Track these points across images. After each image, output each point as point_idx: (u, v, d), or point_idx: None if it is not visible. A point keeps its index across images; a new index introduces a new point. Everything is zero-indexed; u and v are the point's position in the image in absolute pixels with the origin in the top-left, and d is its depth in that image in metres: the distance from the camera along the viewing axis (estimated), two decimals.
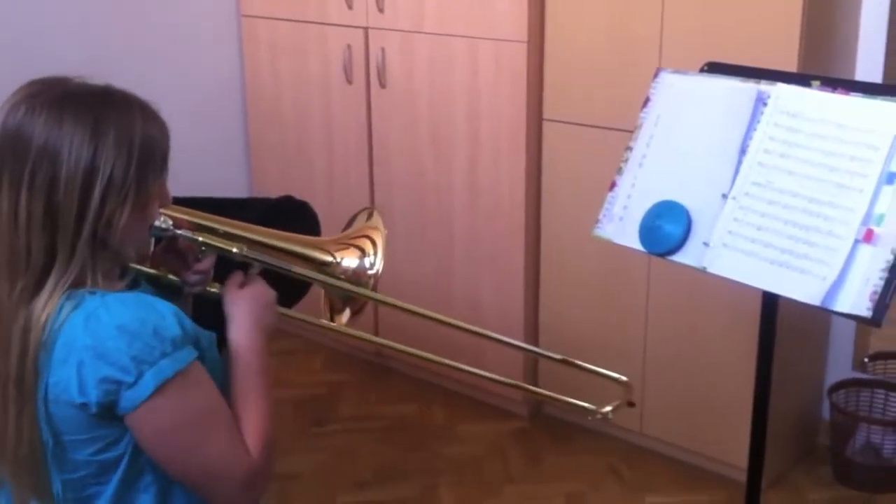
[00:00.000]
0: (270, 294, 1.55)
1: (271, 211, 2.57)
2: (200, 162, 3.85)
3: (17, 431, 1.34)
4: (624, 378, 2.02)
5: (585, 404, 2.06)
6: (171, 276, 1.55)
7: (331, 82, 3.63)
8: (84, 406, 1.30)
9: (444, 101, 3.35)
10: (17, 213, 1.30)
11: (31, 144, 1.30)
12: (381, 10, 3.40)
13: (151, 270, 1.52)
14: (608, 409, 2.04)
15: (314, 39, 3.64)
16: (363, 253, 1.75)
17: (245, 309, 1.50)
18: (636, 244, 1.93)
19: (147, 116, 1.39)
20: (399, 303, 1.82)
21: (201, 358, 1.39)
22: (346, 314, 1.78)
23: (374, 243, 1.77)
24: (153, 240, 1.52)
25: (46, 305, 1.30)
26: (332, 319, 1.78)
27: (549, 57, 3.14)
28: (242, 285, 1.54)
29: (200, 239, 1.55)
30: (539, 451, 3.31)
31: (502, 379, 2.11)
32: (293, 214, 2.56)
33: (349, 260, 1.74)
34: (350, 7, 3.48)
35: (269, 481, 1.43)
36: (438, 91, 3.35)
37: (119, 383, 1.28)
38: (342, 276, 1.73)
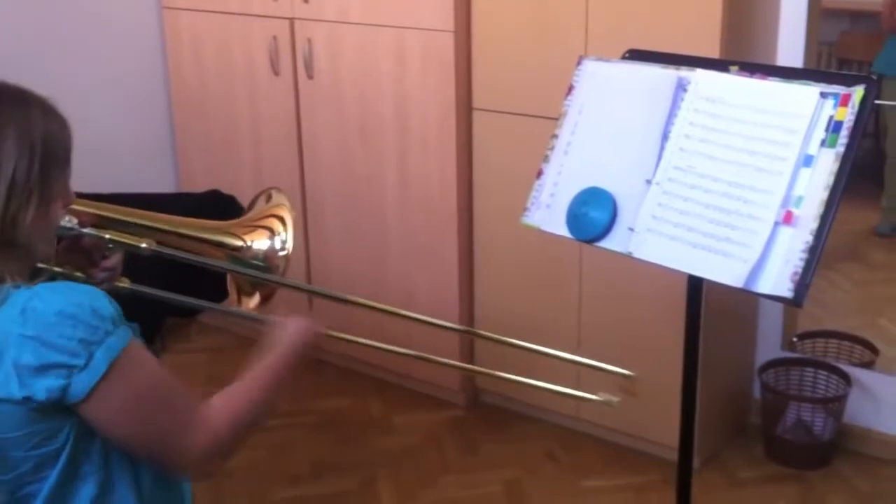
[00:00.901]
0: (319, 332, 1.62)
1: (198, 206, 2.53)
2: (126, 158, 3.80)
3: None
4: (629, 372, 2.06)
5: (585, 394, 2.06)
6: (77, 274, 1.52)
7: (257, 74, 3.58)
8: (26, 400, 1.26)
9: (372, 92, 3.33)
10: None
11: None
12: (306, 0, 3.36)
13: (58, 269, 1.48)
14: (614, 398, 2.01)
15: (238, 31, 3.59)
16: (272, 233, 1.73)
17: (296, 335, 1.57)
18: (564, 231, 1.93)
19: (46, 113, 1.35)
20: (309, 286, 1.80)
21: None
22: (256, 298, 1.76)
23: (283, 222, 1.75)
24: (55, 238, 1.48)
25: None
26: (240, 304, 1.75)
27: (476, 46, 3.13)
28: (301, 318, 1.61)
29: (107, 236, 1.51)
30: (476, 439, 3.33)
31: (495, 373, 2.09)
32: (220, 208, 2.53)
33: (260, 242, 1.72)
34: None
35: (229, 455, 1.43)
36: (366, 82, 3.33)
37: (70, 367, 1.25)
38: (254, 261, 1.70)
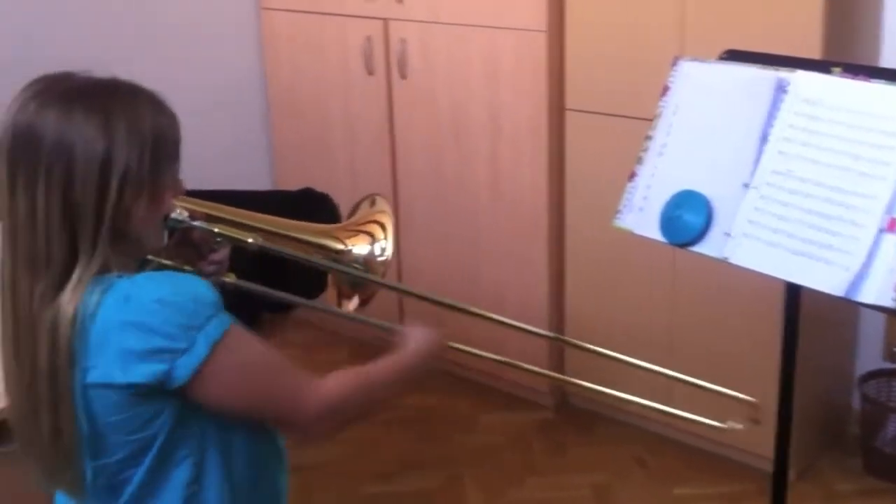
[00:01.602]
0: (444, 344, 1.73)
1: (290, 203, 2.57)
2: (223, 157, 3.86)
3: (52, 426, 1.34)
4: (751, 399, 2.04)
5: (710, 421, 2.08)
6: (186, 267, 1.55)
7: (351, 74, 3.62)
8: (127, 386, 1.30)
9: (464, 93, 3.33)
10: (34, 213, 1.30)
11: (43, 142, 1.29)
12: (399, 0, 3.39)
13: (167, 261, 1.51)
14: (739, 425, 2.04)
15: (333, 31, 3.63)
16: (373, 238, 1.75)
17: (424, 343, 1.65)
18: (657, 235, 1.90)
19: (156, 106, 1.39)
20: (409, 288, 1.81)
21: None
22: (355, 301, 1.77)
23: (383, 228, 1.77)
24: (166, 231, 1.52)
25: (72, 297, 1.30)
26: (339, 305, 1.77)
27: (569, 46, 3.11)
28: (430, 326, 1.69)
29: (216, 230, 1.54)
30: (563, 441, 3.30)
31: (593, 386, 2.10)
32: (313, 206, 2.56)
33: (360, 247, 1.73)
34: None
35: (338, 426, 1.49)
36: (458, 82, 3.33)
37: (173, 352, 1.29)
38: (355, 265, 1.72)
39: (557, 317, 3.38)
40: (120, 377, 1.29)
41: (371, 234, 1.75)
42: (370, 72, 3.55)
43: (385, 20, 3.46)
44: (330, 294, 1.79)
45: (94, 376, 1.31)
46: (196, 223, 1.51)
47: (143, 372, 1.29)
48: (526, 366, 2.07)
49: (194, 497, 1.41)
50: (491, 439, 3.33)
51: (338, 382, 1.47)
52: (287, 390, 1.41)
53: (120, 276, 1.33)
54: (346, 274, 1.72)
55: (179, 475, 1.39)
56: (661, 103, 1.98)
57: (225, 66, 3.85)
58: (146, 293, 1.30)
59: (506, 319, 2.00)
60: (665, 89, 1.99)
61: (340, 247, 1.72)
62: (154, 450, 1.36)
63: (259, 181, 4.01)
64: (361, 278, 1.72)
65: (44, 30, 3.27)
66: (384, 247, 1.75)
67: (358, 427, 3.35)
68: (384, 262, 1.75)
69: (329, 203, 2.63)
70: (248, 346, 1.38)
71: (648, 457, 3.21)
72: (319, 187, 3.81)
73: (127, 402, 1.32)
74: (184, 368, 1.31)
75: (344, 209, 3.79)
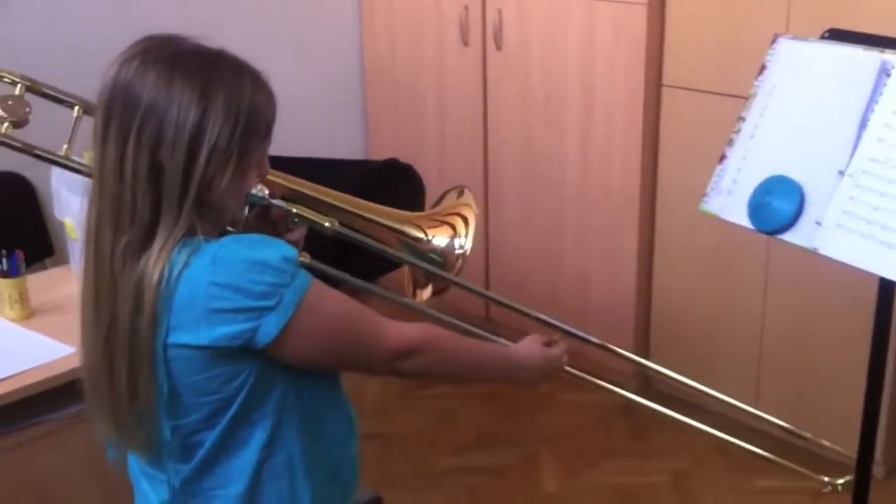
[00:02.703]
0: (558, 367, 1.74)
1: (375, 173, 2.56)
2: (318, 124, 3.88)
3: (130, 385, 1.36)
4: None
5: (808, 472, 2.17)
6: None
7: (446, 44, 3.59)
8: (212, 346, 1.32)
9: (558, 66, 3.27)
10: (122, 166, 1.31)
11: (140, 100, 1.30)
12: None
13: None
14: (841, 481, 2.11)
15: (431, 1, 3.60)
16: (454, 232, 1.72)
17: (536, 358, 1.67)
18: (744, 221, 1.83)
19: (256, 84, 1.38)
20: (481, 290, 1.80)
21: None
22: (429, 290, 1.75)
23: (466, 222, 1.74)
24: (247, 207, 1.52)
25: (158, 258, 1.31)
26: (413, 292, 1.75)
27: (670, 19, 3.02)
28: (549, 344, 1.71)
29: (294, 210, 1.54)
30: (644, 425, 3.24)
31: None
32: (397, 177, 2.54)
33: (440, 238, 1.71)
34: None
35: (419, 367, 1.48)
36: (553, 54, 3.27)
37: (261, 310, 1.31)
38: (431, 254, 1.69)
39: (644, 303, 3.31)
40: (206, 337, 1.31)
41: (453, 227, 1.73)
42: (465, 42, 3.51)
43: None
44: (406, 278, 1.77)
45: (177, 337, 1.32)
46: (275, 201, 1.51)
47: (231, 331, 1.31)
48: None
49: (266, 461, 1.42)
50: (570, 419, 3.29)
51: (422, 329, 1.49)
52: (369, 334, 1.44)
53: (207, 240, 1.34)
54: (420, 268, 1.70)
55: (255, 437, 1.40)
56: (756, 83, 1.90)
57: (323, 34, 3.86)
58: (234, 254, 1.32)
59: (588, 336, 1.96)
60: (762, 68, 1.91)
61: (420, 235, 1.70)
62: (231, 411, 1.37)
63: (352, 149, 4.03)
64: (433, 274, 1.70)
65: None
66: (463, 243, 1.73)
67: (437, 399, 3.41)
68: (462, 256, 1.72)
69: (413, 174, 2.62)
70: (330, 298, 1.41)
71: (732, 445, 3.12)
72: (410, 157, 3.80)
73: (210, 361, 1.33)
74: (272, 325, 1.32)
75: (431, 181, 3.79)
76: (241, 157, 1.35)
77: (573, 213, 3.37)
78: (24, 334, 2.18)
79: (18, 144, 1.54)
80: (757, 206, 1.81)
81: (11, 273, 2.22)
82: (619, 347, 3.29)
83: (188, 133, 1.30)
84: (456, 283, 1.73)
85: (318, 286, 1.39)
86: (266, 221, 1.56)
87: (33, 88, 1.58)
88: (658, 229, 3.22)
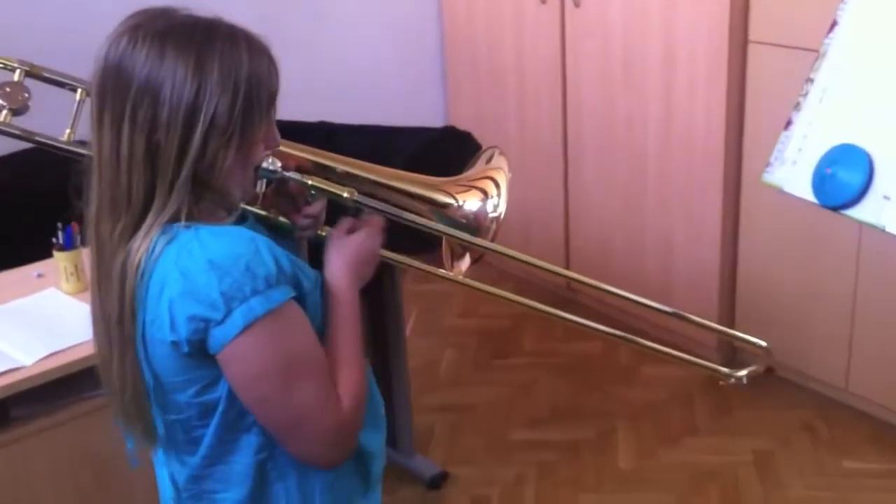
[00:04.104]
0: (374, 245, 1.45)
1: (431, 141, 2.47)
2: (398, 84, 3.83)
3: (121, 374, 1.32)
4: (763, 343, 1.82)
5: (716, 367, 1.89)
6: (280, 219, 1.48)
7: (524, 2, 3.45)
8: (176, 345, 1.25)
9: (639, 22, 3.10)
10: (118, 151, 1.25)
11: (132, 80, 1.23)
12: None
13: (261, 211, 1.45)
14: (742, 373, 1.83)
15: None
16: (485, 195, 1.61)
17: (344, 257, 1.40)
18: (808, 195, 1.68)
19: (255, 52, 1.29)
20: (518, 254, 1.65)
21: (301, 299, 1.31)
22: (466, 261, 1.65)
23: (497, 185, 1.62)
24: (262, 182, 1.45)
25: (142, 243, 1.25)
26: (451, 264, 1.65)
27: None
28: (350, 231, 1.45)
29: (310, 182, 1.45)
30: (728, 401, 3.09)
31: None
32: (455, 145, 2.44)
33: (471, 202, 1.60)
34: None
35: (355, 438, 1.35)
36: (634, 11, 3.11)
37: (207, 321, 1.22)
38: (463, 220, 1.59)
39: (729, 268, 3.14)
40: (168, 334, 1.24)
41: (483, 191, 1.61)
42: (543, 0, 3.37)
43: None
44: (444, 250, 1.67)
45: (151, 331, 1.27)
46: (289, 174, 1.41)
47: (184, 334, 1.23)
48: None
49: (266, 463, 1.35)
50: (650, 394, 3.17)
51: (350, 391, 1.31)
52: (305, 400, 1.27)
53: (188, 227, 1.26)
54: (450, 236, 1.59)
55: (248, 441, 1.33)
56: (825, 41, 1.73)
57: None
58: (200, 251, 1.23)
59: (665, 307, 1.81)
60: (832, 24, 1.73)
61: (448, 200, 1.60)
62: (217, 415, 1.31)
63: (432, 109, 3.95)
64: (468, 242, 1.59)
65: None
66: (496, 203, 1.61)
67: (514, 370, 3.33)
68: (496, 220, 1.61)
69: (472, 142, 2.51)
70: (286, 336, 1.26)
71: (820, 424, 2.96)
72: (489, 118, 3.71)
73: (182, 362, 1.27)
74: (215, 339, 1.23)
75: (511, 143, 3.69)
76: (244, 132, 1.27)
77: (655, 175, 3.22)
78: (79, 307, 2.19)
79: (18, 132, 1.50)
80: (821, 179, 1.65)
81: (66, 246, 2.23)
82: (704, 316, 3.18)
83: (183, 111, 1.23)
84: (491, 250, 1.62)
85: (288, 315, 1.25)
86: (284, 196, 1.46)
87: (33, 73, 1.53)
88: (744, 195, 3.04)
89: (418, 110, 3.86)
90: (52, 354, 1.98)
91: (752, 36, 2.88)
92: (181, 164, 1.24)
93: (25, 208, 2.56)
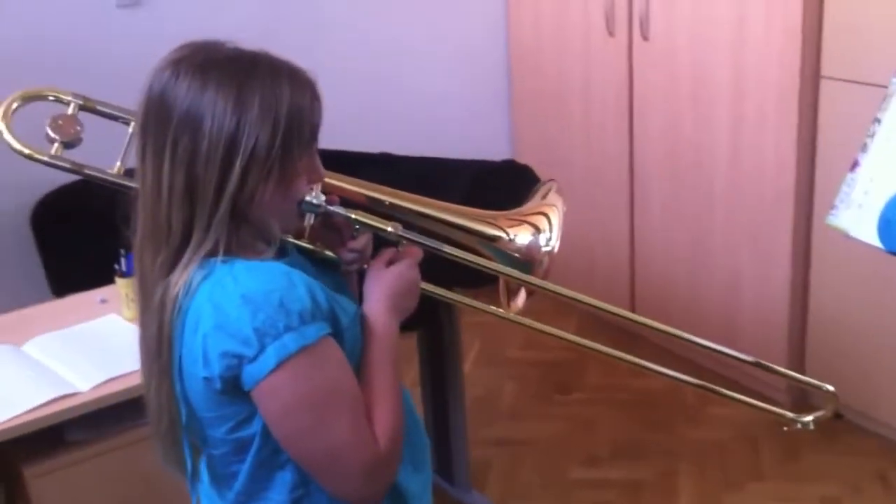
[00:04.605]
0: (414, 277, 1.43)
1: (490, 174, 2.45)
2: (463, 110, 3.82)
3: (157, 406, 1.33)
4: (830, 388, 1.77)
5: (782, 411, 1.83)
6: (327, 252, 1.47)
7: (592, 34, 3.42)
8: (209, 381, 1.24)
9: (708, 56, 3.05)
10: (160, 184, 1.25)
11: (173, 112, 1.24)
12: None
13: (307, 245, 1.45)
14: (809, 418, 1.80)
15: None
16: (537, 230, 1.59)
17: (383, 290, 1.39)
18: (874, 240, 1.61)
19: (297, 85, 1.28)
20: (575, 295, 1.62)
21: (338, 335, 1.30)
22: (522, 296, 1.63)
23: (549, 220, 1.60)
24: (311, 216, 1.45)
25: (181, 277, 1.25)
26: (507, 302, 1.63)
27: (829, 5, 2.74)
28: (389, 263, 1.43)
29: (353, 216, 1.45)
30: (797, 445, 2.99)
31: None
32: (513, 179, 2.42)
33: (523, 236, 1.58)
34: None
35: (391, 476, 1.32)
36: (703, 44, 3.06)
37: (240, 357, 1.21)
38: (515, 254, 1.57)
39: (799, 311, 3.05)
40: (201, 370, 1.24)
41: (535, 225, 1.59)
42: (611, 33, 3.34)
43: None
44: (501, 286, 1.65)
45: (186, 364, 1.27)
46: (333, 208, 1.40)
47: (217, 370, 1.23)
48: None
49: (302, 500, 1.33)
50: (715, 434, 3.08)
51: (385, 428, 1.28)
52: (339, 437, 1.25)
53: (225, 261, 1.26)
54: (492, 271, 1.56)
55: (283, 478, 1.32)
56: (893, 80, 1.67)
57: (469, 21, 3.77)
58: (233, 286, 1.23)
59: (704, 342, 1.75)
60: None
61: (496, 233, 1.58)
62: (252, 451, 1.30)
63: (498, 139, 3.93)
64: (520, 279, 1.57)
65: None
66: (549, 237, 1.58)
67: (576, 404, 3.27)
68: (548, 254, 1.58)
69: (531, 175, 2.49)
70: (319, 373, 1.24)
71: (893, 473, 2.84)
72: (554, 149, 3.69)
73: (216, 398, 1.26)
74: (249, 376, 1.22)
75: (576, 177, 3.65)
76: (285, 166, 1.26)
77: (722, 211, 3.15)
78: (138, 333, 2.22)
79: (67, 165, 1.52)
80: (888, 223, 1.59)
81: (127, 272, 2.26)
82: (772, 356, 3.09)
83: (223, 144, 1.23)
84: (540, 287, 1.59)
85: (323, 352, 1.24)
86: (330, 230, 1.45)
87: (87, 106, 1.55)
88: (815, 233, 2.96)
89: (484, 139, 3.85)
90: (109, 380, 2.01)
91: (824, 71, 2.81)
92: (220, 197, 1.24)
93: (96, 232, 2.62)
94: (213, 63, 1.26)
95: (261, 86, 1.25)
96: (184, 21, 3.09)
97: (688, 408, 3.23)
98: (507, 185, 2.36)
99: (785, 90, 2.85)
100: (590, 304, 1.68)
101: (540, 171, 3.76)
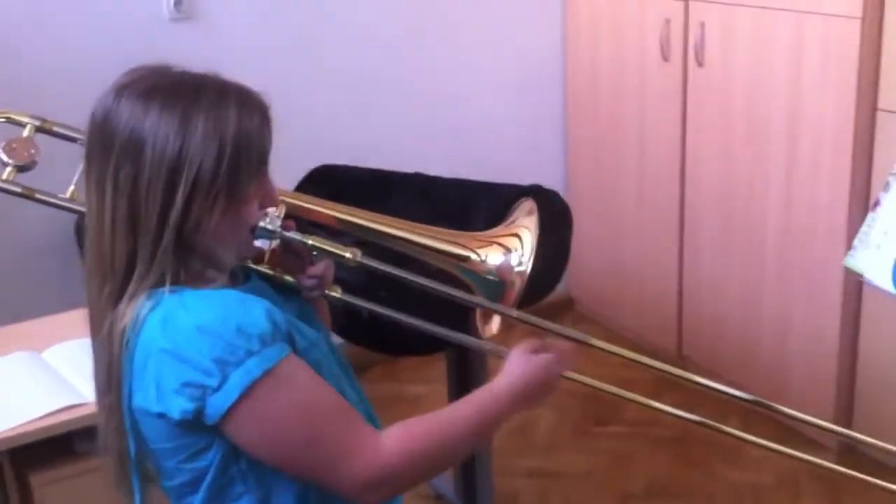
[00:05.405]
0: (555, 373, 1.42)
1: (516, 198, 2.39)
2: (518, 133, 3.79)
3: (104, 438, 1.32)
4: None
5: (820, 461, 1.83)
6: (286, 278, 1.44)
7: (647, 59, 3.35)
8: (163, 415, 1.21)
9: (762, 85, 2.96)
10: (103, 213, 1.22)
11: (115, 139, 1.20)
12: None
13: (266, 270, 1.42)
14: None
15: (634, 12, 3.38)
16: (507, 250, 1.54)
17: (525, 373, 1.37)
18: (888, 284, 1.53)
19: (245, 109, 1.24)
20: (544, 323, 1.55)
21: (300, 354, 1.27)
22: (496, 321, 1.58)
23: (521, 241, 1.55)
24: (273, 241, 1.41)
25: (127, 309, 1.22)
26: (483, 326, 1.59)
27: (888, 37, 2.63)
28: (537, 351, 1.41)
29: (310, 242, 1.40)
30: (841, 492, 2.86)
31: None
32: (540, 204, 2.37)
33: (494, 256, 1.53)
34: None
35: (396, 489, 1.28)
36: (758, 73, 2.97)
37: (203, 388, 1.18)
38: (489, 276, 1.53)
39: (849, 355, 2.92)
40: (154, 406, 1.21)
41: (504, 246, 1.55)
42: (665, 58, 3.26)
43: (686, 1, 3.16)
44: (476, 315, 1.61)
45: (137, 400, 1.24)
46: (288, 234, 1.36)
47: (176, 405, 1.19)
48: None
49: None
50: (756, 476, 2.97)
51: (400, 440, 1.25)
52: (334, 446, 1.22)
53: (173, 290, 1.22)
54: (450, 297, 1.51)
55: None
56: None
57: (526, 45, 3.73)
58: (186, 317, 1.19)
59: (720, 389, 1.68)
60: None
61: (466, 253, 1.53)
62: (206, 482, 1.27)
63: (552, 162, 3.88)
64: (486, 306, 1.53)
65: (347, 8, 3.32)
66: (522, 259, 1.53)
67: (615, 438, 3.19)
68: (521, 275, 1.53)
69: (558, 202, 2.44)
70: (290, 391, 1.21)
71: None
72: (608, 173, 3.63)
73: (171, 431, 1.23)
74: (214, 407, 1.18)
75: (629, 203, 3.58)
76: (232, 192, 1.22)
77: (774, 246, 3.04)
78: None
79: (18, 190, 1.50)
80: None
81: None
82: (820, 399, 2.97)
83: (165, 171, 1.19)
84: (509, 316, 1.53)
85: (289, 370, 1.20)
86: (290, 255, 1.43)
87: (43, 128, 1.52)
88: None
89: (539, 164, 3.80)
90: None
91: (881, 104, 2.69)
92: (163, 227, 1.20)
93: None
94: (157, 87, 1.22)
95: (206, 109, 1.21)
96: (237, 34, 3.12)
97: (727, 447, 3.11)
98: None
99: (840, 123, 2.74)
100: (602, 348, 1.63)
101: (592, 197, 3.73)
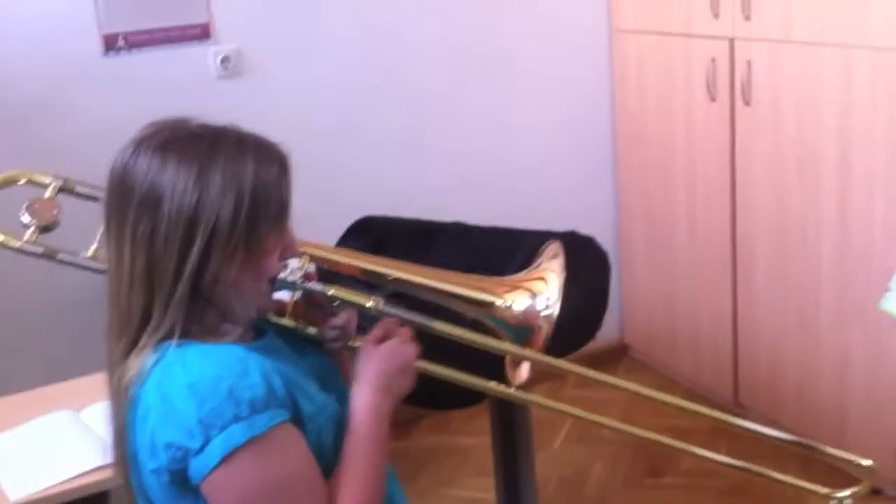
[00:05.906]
0: (406, 354, 1.36)
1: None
2: (569, 177, 3.75)
3: (119, 496, 1.32)
4: (867, 462, 1.69)
5: (815, 487, 1.77)
6: (309, 330, 1.41)
7: (694, 100, 3.30)
8: (157, 472, 1.20)
9: (812, 122, 2.88)
10: (122, 268, 1.22)
11: (133, 193, 1.20)
12: (747, 17, 3.01)
13: (287, 323, 1.40)
14: (846, 493, 1.71)
15: (679, 53, 3.33)
16: (534, 294, 1.50)
17: (374, 368, 1.33)
18: None
19: (263, 160, 1.23)
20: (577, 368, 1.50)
21: (300, 423, 1.24)
22: (526, 367, 1.54)
23: (547, 284, 1.51)
24: (298, 293, 1.39)
25: (134, 363, 1.21)
26: (512, 373, 1.54)
27: None
28: (381, 340, 1.37)
29: (331, 292, 1.38)
30: None
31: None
32: (575, 250, 2.32)
33: (520, 302, 1.49)
34: (716, 16, 3.12)
35: None
36: (807, 109, 2.89)
37: (185, 450, 1.16)
38: (512, 322, 1.49)
39: None
40: (149, 461, 1.20)
41: (531, 290, 1.50)
42: (713, 98, 3.20)
43: (731, 40, 3.10)
44: (507, 366, 1.57)
45: (140, 454, 1.23)
46: (308, 285, 1.35)
47: (164, 462, 1.18)
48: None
49: None
50: None
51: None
52: None
53: (180, 345, 1.21)
54: (476, 344, 1.47)
55: None
56: None
57: (573, 88, 3.69)
58: (182, 374, 1.18)
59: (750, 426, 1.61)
60: None
61: (490, 299, 1.49)
62: None
63: (603, 209, 3.82)
64: (501, 350, 1.49)
65: (386, 44, 3.31)
66: (549, 302, 1.49)
67: (669, 489, 3.08)
68: (547, 319, 1.48)
69: (594, 248, 2.38)
70: (271, 463, 1.17)
71: None
72: (659, 215, 3.56)
73: (167, 489, 1.21)
74: (196, 470, 1.16)
75: (679, 246, 3.50)
76: (251, 244, 1.21)
77: (830, 285, 2.94)
78: None
79: (40, 251, 1.50)
80: None
81: None
82: (885, 439, 2.85)
83: (183, 224, 1.18)
84: (535, 360, 1.49)
85: (276, 440, 1.17)
86: (313, 306, 1.41)
87: (66, 188, 1.53)
88: None
89: (589, 210, 3.75)
90: None
91: None
92: (178, 280, 1.19)
93: None
94: (174, 141, 1.22)
95: (223, 162, 1.21)
96: (283, 90, 3.13)
97: (788, 499, 2.99)
98: (569, 258, 2.26)
99: (891, 160, 2.65)
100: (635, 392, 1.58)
101: (644, 242, 3.67)
